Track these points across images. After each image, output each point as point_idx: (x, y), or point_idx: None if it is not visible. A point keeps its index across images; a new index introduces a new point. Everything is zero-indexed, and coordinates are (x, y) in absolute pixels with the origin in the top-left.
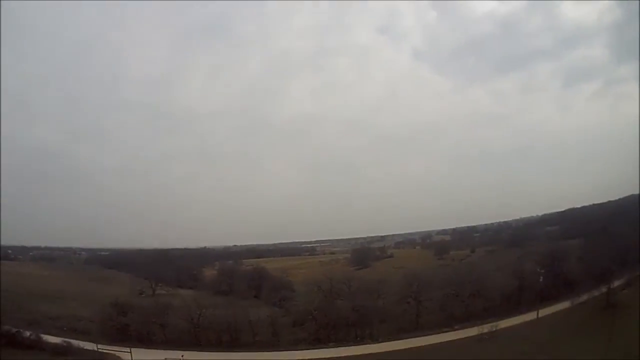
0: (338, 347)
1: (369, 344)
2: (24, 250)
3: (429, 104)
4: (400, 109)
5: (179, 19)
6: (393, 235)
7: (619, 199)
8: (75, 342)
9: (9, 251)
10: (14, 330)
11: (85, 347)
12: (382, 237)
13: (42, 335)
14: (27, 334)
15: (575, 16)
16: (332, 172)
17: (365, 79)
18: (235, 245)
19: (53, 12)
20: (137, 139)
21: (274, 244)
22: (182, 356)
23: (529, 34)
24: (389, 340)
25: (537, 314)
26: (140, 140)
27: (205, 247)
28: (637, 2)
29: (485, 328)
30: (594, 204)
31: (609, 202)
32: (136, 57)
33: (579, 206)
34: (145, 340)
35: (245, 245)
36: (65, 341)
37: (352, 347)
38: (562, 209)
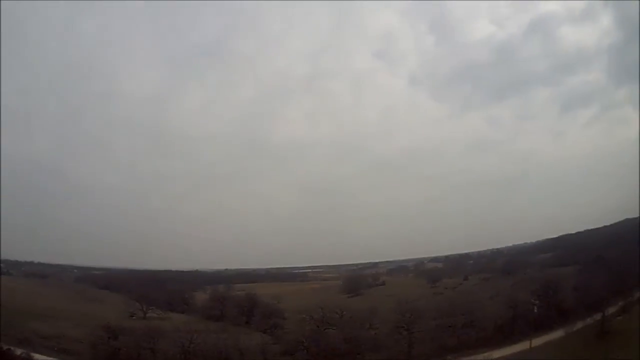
0: None
1: None
2: (17, 265)
3: (425, 130)
4: (396, 134)
5: (175, 39)
6: (386, 262)
7: (614, 224)
8: None
9: (1, 265)
10: (5, 347)
11: None
12: (374, 263)
13: (33, 355)
14: (18, 352)
15: (573, 40)
16: (326, 196)
17: (361, 104)
18: (227, 269)
19: (53, 30)
20: (133, 157)
21: (266, 269)
22: None
23: (527, 59)
24: None
25: (530, 343)
26: (136, 158)
27: (197, 270)
28: (637, 24)
29: (478, 358)
30: (588, 230)
31: (604, 227)
32: (134, 77)
33: (573, 232)
34: None
35: (237, 270)
36: None
37: None
38: (556, 235)
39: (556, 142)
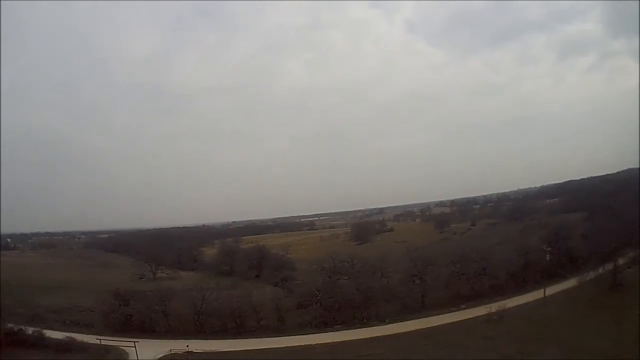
0: (345, 329)
1: (376, 325)
2: (23, 237)
3: (425, 76)
4: (396, 82)
5: (173, 1)
6: (392, 207)
7: (618, 172)
8: (78, 337)
9: (9, 240)
10: (16, 328)
11: (89, 342)
12: (380, 209)
13: (45, 331)
14: (30, 331)
15: None
16: (329, 145)
17: (360, 53)
18: (234, 222)
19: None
20: (133, 120)
21: (273, 219)
22: (187, 346)
23: (523, 6)
24: (396, 321)
25: (544, 292)
26: (137, 121)
27: (204, 225)
28: None
29: (493, 307)
30: (592, 177)
31: (608, 175)
32: (130, 39)
33: (577, 178)
34: (149, 331)
35: (245, 222)
36: (68, 337)
37: (359, 329)
38: (561, 181)
39: (557, 87)
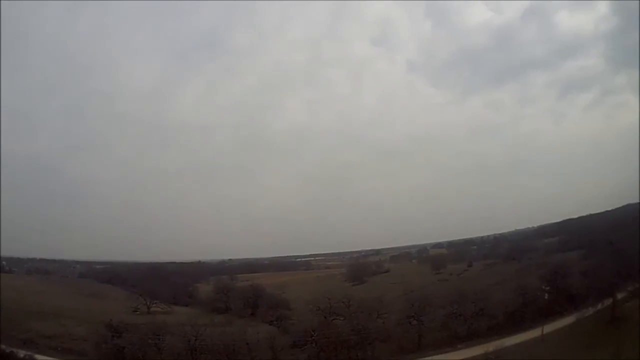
0: None
1: None
2: (19, 262)
3: (425, 116)
4: (396, 121)
5: (173, 33)
6: (388, 248)
7: (617, 209)
8: None
9: (4, 263)
10: (8, 350)
11: None
12: (377, 250)
13: (37, 356)
14: (22, 354)
15: (571, 26)
16: (327, 184)
17: (360, 91)
18: (230, 260)
19: (51, 27)
20: (132, 151)
21: (270, 258)
22: None
23: (524, 44)
24: None
25: (542, 330)
26: (136, 153)
27: (200, 262)
28: (637, 8)
29: (490, 347)
30: (591, 214)
31: (606, 212)
32: (132, 71)
33: (575, 217)
34: None
35: (240, 259)
36: None
37: None
38: (559, 220)
39: (556, 126)
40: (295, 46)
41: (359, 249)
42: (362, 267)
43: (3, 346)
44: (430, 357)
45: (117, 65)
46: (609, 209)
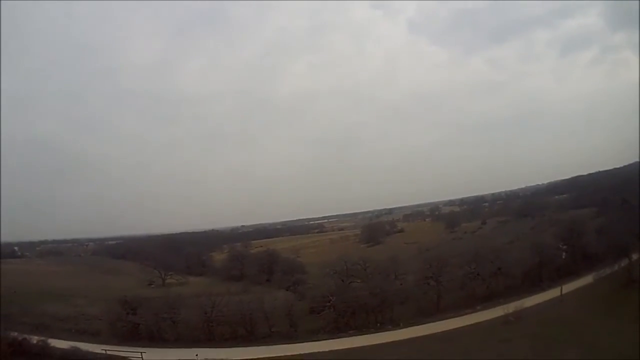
0: (359, 335)
1: (391, 330)
2: (31, 246)
3: (429, 75)
4: (400, 82)
5: (173, 6)
6: (400, 207)
7: (625, 166)
8: (84, 346)
9: (16, 248)
10: (20, 337)
11: (95, 351)
12: (389, 210)
13: (50, 340)
14: (34, 340)
15: None
16: (335, 147)
17: (363, 54)
18: (243, 226)
19: (51, 6)
20: (139, 127)
21: (282, 222)
22: (197, 355)
23: (524, 3)
24: (411, 325)
25: (561, 291)
26: (142, 128)
27: (213, 230)
28: None
29: (510, 308)
30: (599, 171)
31: (615, 169)
32: (133, 46)
33: (584, 174)
34: (157, 339)
35: (254, 225)
36: (73, 346)
37: (374, 334)
38: (568, 177)
39: (559, 83)
40: (295, 12)
41: (371, 209)
42: (375, 228)
43: (15, 333)
44: (449, 320)
45: (118, 41)
46: (617, 166)
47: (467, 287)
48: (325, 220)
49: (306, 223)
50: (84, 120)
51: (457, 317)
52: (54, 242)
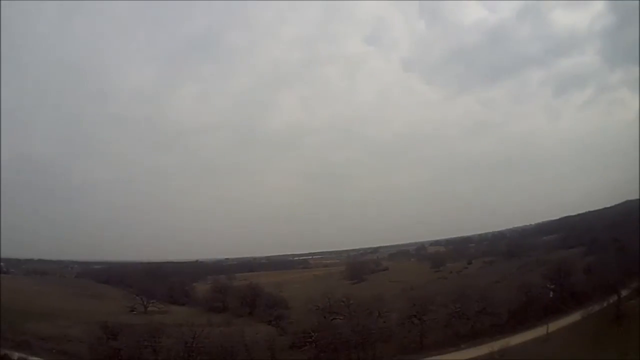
0: None
1: None
2: (17, 263)
3: (420, 114)
4: (391, 119)
5: (168, 34)
6: (386, 246)
7: (616, 205)
8: None
9: (1, 264)
10: (2, 352)
11: None
12: (375, 248)
13: (31, 358)
14: (16, 356)
15: (566, 23)
16: (324, 182)
17: (355, 89)
18: (227, 259)
19: (46, 30)
20: (130, 152)
21: (267, 257)
22: None
23: (519, 42)
24: None
25: (547, 329)
26: (134, 154)
27: (197, 261)
28: (633, 5)
29: (495, 346)
30: (590, 212)
31: (605, 209)
32: (128, 73)
33: (574, 214)
34: None
35: (238, 258)
36: None
37: None
38: (557, 217)
39: (553, 123)
40: (289, 45)
41: (357, 247)
42: (360, 265)
43: None
44: (433, 358)
45: (113, 67)
46: (608, 205)
47: (452, 325)
48: (310, 257)
49: (291, 259)
50: (75, 141)
51: (440, 355)
52: (39, 261)
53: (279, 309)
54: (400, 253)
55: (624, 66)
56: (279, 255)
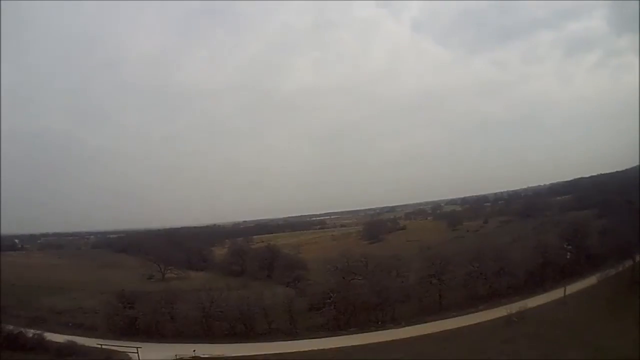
0: (359, 333)
1: (392, 328)
2: (32, 238)
3: (432, 75)
4: (404, 80)
5: (179, 2)
6: (403, 205)
7: (627, 170)
8: (80, 340)
9: (16, 241)
10: (16, 331)
11: (91, 346)
12: (391, 207)
13: (47, 334)
14: (30, 334)
15: None
16: (339, 143)
17: (367, 52)
18: (245, 221)
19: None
20: (141, 120)
21: (284, 218)
22: (194, 351)
23: (529, 4)
24: (413, 324)
25: (564, 292)
26: (144, 121)
27: (214, 225)
28: None
29: (512, 308)
30: (601, 174)
31: (617, 172)
32: (137, 40)
33: (586, 176)
34: (155, 334)
35: (255, 221)
36: (69, 340)
37: (375, 332)
38: (570, 179)
39: (563, 85)
40: (301, 10)
41: (373, 207)
42: (377, 225)
43: (11, 327)
44: (452, 319)
45: (121, 34)
46: (619, 169)
47: (470, 286)
48: (327, 217)
49: (308, 219)
50: (86, 113)
51: (459, 316)
52: (55, 235)
53: (297, 271)
54: (416, 212)
55: (631, 32)
56: (296, 216)
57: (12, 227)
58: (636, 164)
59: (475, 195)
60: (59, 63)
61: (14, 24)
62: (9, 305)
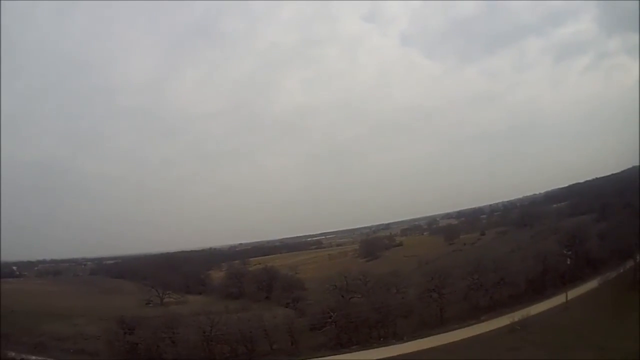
0: (362, 349)
1: (394, 344)
2: (29, 265)
3: (423, 87)
4: (395, 94)
5: (166, 24)
6: (398, 222)
7: (623, 172)
8: None
9: (14, 268)
10: (18, 357)
11: None
12: (387, 224)
13: None
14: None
15: None
16: (331, 162)
17: (356, 67)
18: (241, 244)
19: (47, 27)
20: (135, 145)
21: (280, 240)
22: None
23: (516, 11)
24: (415, 338)
25: (566, 297)
26: (138, 146)
27: (211, 248)
28: None
29: (515, 317)
30: (597, 178)
31: (612, 175)
32: (128, 64)
33: (582, 181)
34: (156, 359)
35: (251, 243)
36: None
37: (377, 349)
38: (566, 185)
39: (555, 90)
40: (287, 27)
41: (369, 225)
42: (374, 242)
43: (13, 353)
44: (454, 331)
45: (114, 59)
46: (614, 172)
47: (470, 298)
48: (323, 237)
49: (304, 240)
50: (81, 138)
51: (461, 328)
52: (52, 261)
53: (296, 291)
54: (412, 228)
55: (622, 33)
56: (292, 237)
57: (10, 253)
58: (632, 164)
59: (471, 208)
60: (53, 88)
61: (6, 48)
62: (10, 332)
